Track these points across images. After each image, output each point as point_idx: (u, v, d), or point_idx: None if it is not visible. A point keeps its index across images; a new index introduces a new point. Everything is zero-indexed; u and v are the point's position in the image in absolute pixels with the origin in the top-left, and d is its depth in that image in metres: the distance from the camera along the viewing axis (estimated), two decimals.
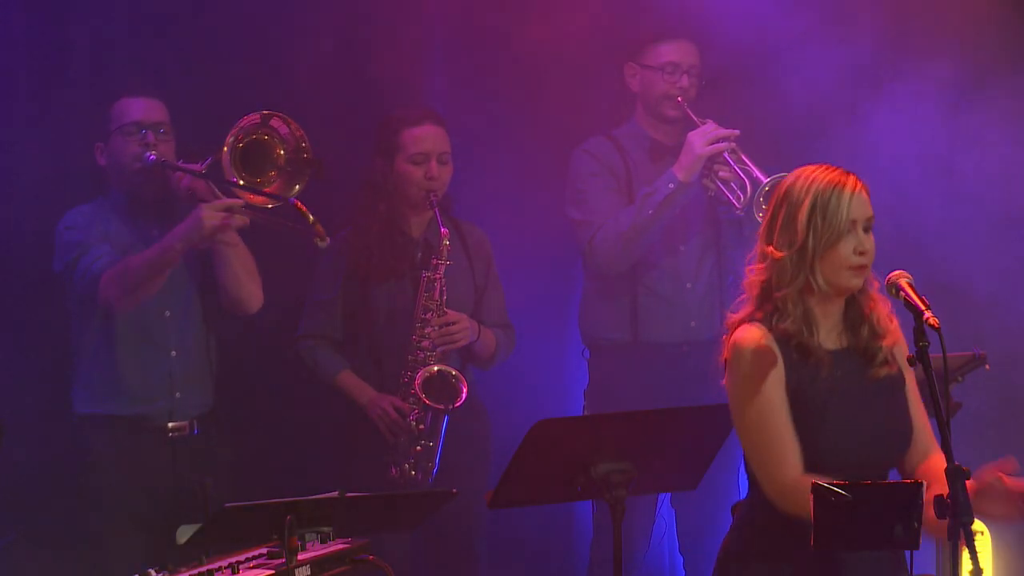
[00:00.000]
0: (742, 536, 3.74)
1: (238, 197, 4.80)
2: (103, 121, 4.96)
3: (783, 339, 3.63)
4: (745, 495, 3.78)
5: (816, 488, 3.33)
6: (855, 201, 3.63)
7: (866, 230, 3.66)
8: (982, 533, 5.43)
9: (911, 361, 3.50)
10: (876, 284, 3.68)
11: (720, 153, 5.38)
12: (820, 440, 3.60)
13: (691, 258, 5.61)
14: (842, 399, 3.64)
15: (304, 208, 4.74)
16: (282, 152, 4.95)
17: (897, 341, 3.72)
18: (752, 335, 3.64)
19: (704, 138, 5.37)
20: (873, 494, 3.35)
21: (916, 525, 3.31)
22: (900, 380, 3.73)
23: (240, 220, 4.80)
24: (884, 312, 3.71)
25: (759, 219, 5.25)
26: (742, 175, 5.35)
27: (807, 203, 3.63)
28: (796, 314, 3.63)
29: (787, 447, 3.58)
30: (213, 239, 4.82)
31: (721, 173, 5.39)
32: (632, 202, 5.53)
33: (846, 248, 3.62)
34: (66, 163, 5.26)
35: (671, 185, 5.39)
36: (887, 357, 3.69)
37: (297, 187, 4.95)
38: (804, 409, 3.61)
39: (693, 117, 5.48)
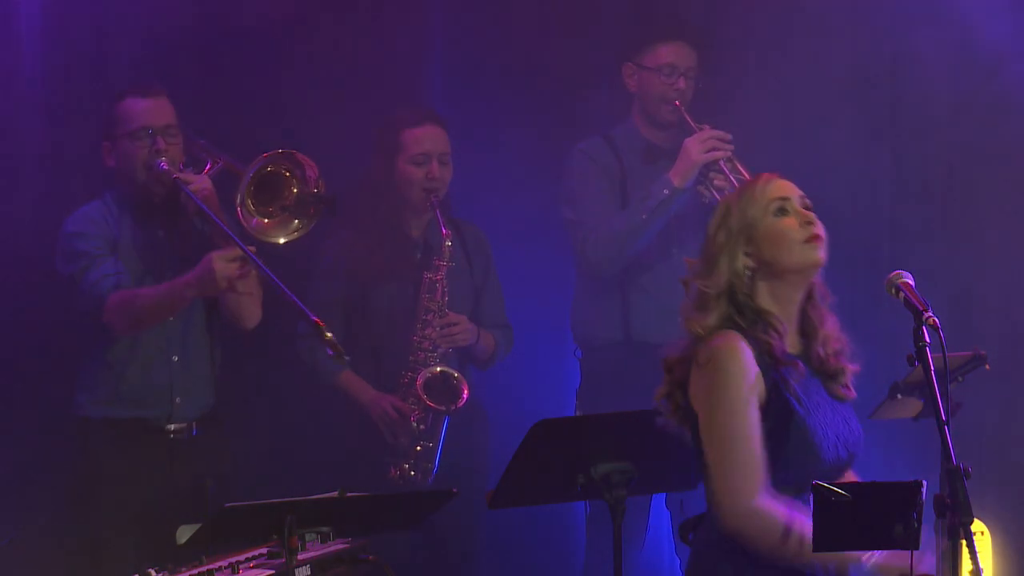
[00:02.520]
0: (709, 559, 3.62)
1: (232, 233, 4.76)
2: (109, 120, 4.93)
3: (757, 346, 3.52)
4: (704, 512, 3.66)
5: (816, 488, 3.33)
6: (772, 184, 3.58)
7: (806, 208, 3.58)
8: (982, 533, 5.43)
9: (911, 361, 3.50)
10: (828, 298, 3.60)
11: (716, 160, 5.38)
12: (799, 446, 3.51)
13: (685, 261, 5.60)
14: (815, 403, 3.56)
15: (323, 325, 4.56)
16: (294, 191, 4.94)
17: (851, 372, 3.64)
18: (733, 344, 3.49)
19: (701, 145, 5.37)
20: (873, 494, 3.35)
21: (916, 525, 3.31)
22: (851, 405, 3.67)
23: (250, 271, 4.78)
24: (836, 328, 3.63)
25: None
26: (737, 183, 5.35)
27: (720, 208, 3.63)
28: (754, 320, 3.54)
29: (757, 468, 3.44)
30: (228, 288, 4.80)
31: (716, 181, 5.39)
32: (626, 203, 5.53)
33: (790, 223, 3.55)
34: (69, 163, 5.25)
35: (666, 191, 5.40)
36: (846, 382, 3.61)
37: (296, 222, 4.94)
38: (777, 413, 3.51)
39: (690, 122, 5.48)
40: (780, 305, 3.57)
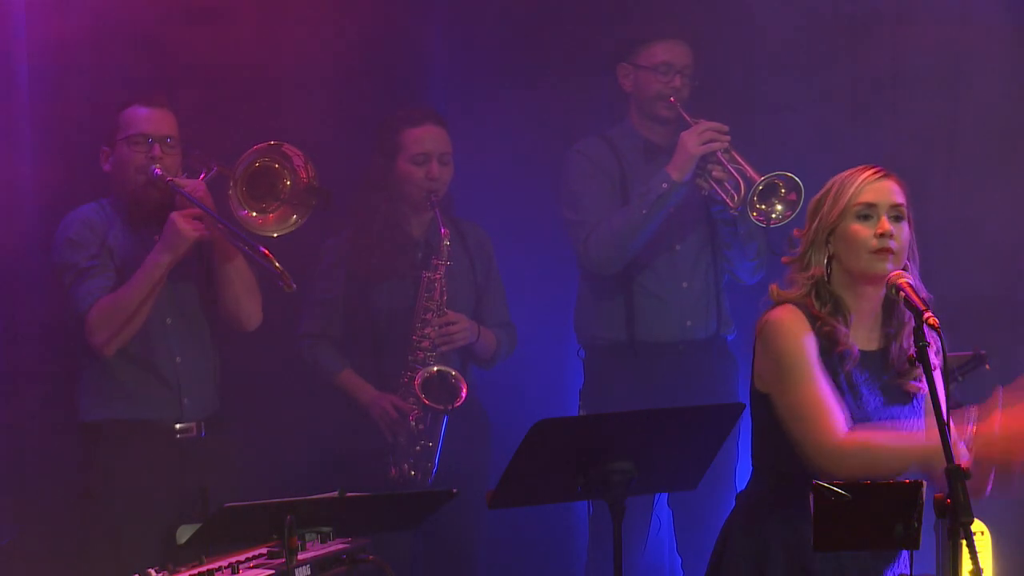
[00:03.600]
0: (747, 514, 3.77)
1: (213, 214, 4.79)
2: (110, 126, 4.94)
3: (814, 321, 3.67)
4: (745, 486, 3.83)
5: (816, 488, 3.34)
6: (870, 184, 3.70)
7: (895, 219, 3.69)
8: (982, 533, 5.43)
9: (911, 361, 3.50)
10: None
11: (714, 152, 5.38)
12: None
13: (687, 257, 5.61)
14: (860, 395, 3.67)
15: (272, 257, 4.72)
16: (288, 183, 4.95)
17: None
18: (785, 312, 3.68)
19: (697, 137, 5.37)
20: (873, 494, 3.35)
21: (916, 525, 3.31)
22: (923, 399, 3.75)
23: (213, 231, 4.80)
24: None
25: (752, 218, 5.27)
26: (735, 174, 5.35)
27: (824, 188, 3.75)
28: (822, 300, 3.69)
29: (833, 409, 3.58)
30: (192, 242, 4.81)
31: (714, 172, 5.39)
32: (626, 202, 5.53)
33: (865, 230, 3.67)
34: (70, 168, 5.25)
35: (664, 185, 5.39)
36: (918, 375, 3.69)
37: (295, 217, 4.95)
38: None
39: (686, 117, 5.48)
40: (855, 298, 3.71)
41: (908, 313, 3.64)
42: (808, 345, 3.63)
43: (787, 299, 3.72)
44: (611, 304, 5.61)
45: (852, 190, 3.69)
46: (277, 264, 4.72)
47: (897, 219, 3.69)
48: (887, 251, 3.66)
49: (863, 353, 3.70)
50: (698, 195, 5.47)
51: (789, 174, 5.23)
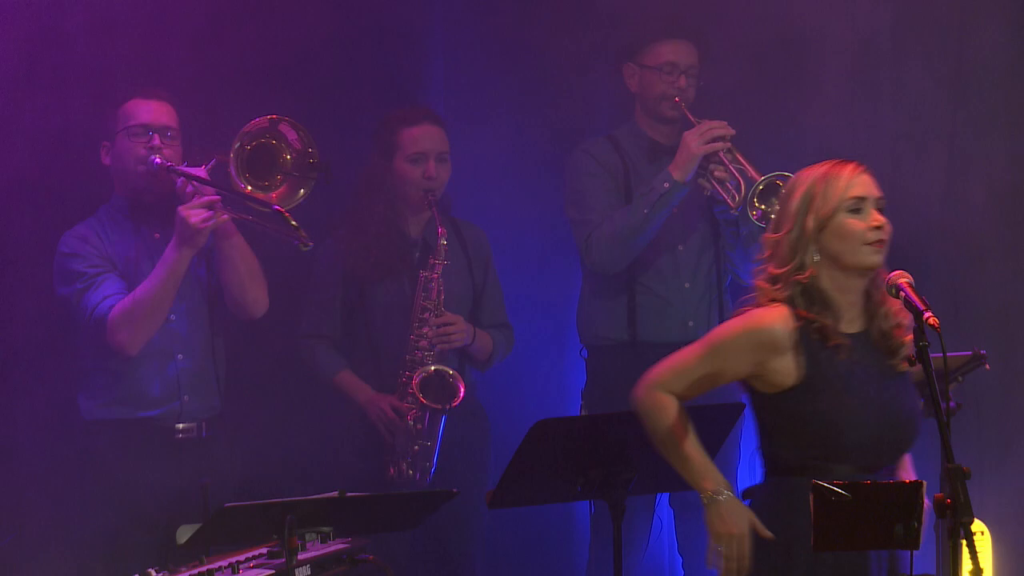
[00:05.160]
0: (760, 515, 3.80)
1: (216, 194, 4.80)
2: (110, 120, 4.94)
3: (804, 321, 3.73)
4: (760, 480, 3.88)
5: (816, 488, 3.34)
6: (856, 179, 3.78)
7: (880, 211, 3.78)
8: (982, 533, 5.43)
9: (911, 361, 3.51)
10: (886, 277, 3.73)
11: (716, 152, 5.37)
12: (840, 419, 3.68)
13: (689, 257, 5.61)
14: (861, 380, 3.72)
15: (288, 215, 4.74)
16: (289, 157, 4.96)
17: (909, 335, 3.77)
18: (773, 316, 3.75)
19: (700, 137, 5.37)
20: (873, 494, 3.35)
21: (916, 525, 3.32)
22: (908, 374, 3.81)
23: (221, 217, 4.80)
24: (898, 304, 3.78)
25: (752, 218, 5.27)
26: (737, 174, 5.35)
27: (803, 187, 3.81)
28: (810, 298, 3.75)
29: (685, 375, 3.85)
30: (208, 233, 4.81)
31: (716, 172, 5.38)
32: (630, 202, 5.53)
33: (858, 225, 3.74)
34: (70, 167, 5.24)
35: (666, 184, 5.39)
36: (907, 355, 3.73)
37: (302, 191, 4.95)
38: (824, 390, 3.70)
39: (690, 117, 5.48)
40: (841, 291, 3.77)
41: (886, 294, 3.74)
42: (742, 342, 3.77)
43: (775, 299, 3.79)
44: (613, 304, 5.60)
45: (842, 184, 3.76)
46: (293, 221, 4.72)
47: (881, 211, 3.79)
48: (882, 242, 3.75)
49: (852, 336, 3.76)
50: (701, 195, 5.46)
51: (789, 174, 5.23)
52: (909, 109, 5.94)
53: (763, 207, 5.26)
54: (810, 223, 3.75)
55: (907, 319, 3.75)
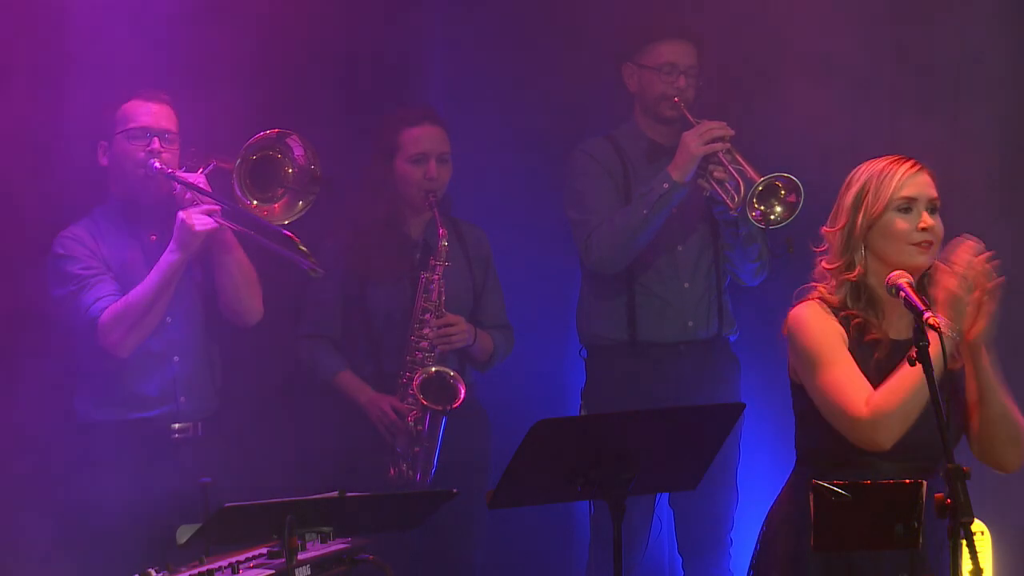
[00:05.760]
0: (786, 510, 3.83)
1: (216, 204, 4.80)
2: (108, 120, 4.93)
3: (842, 314, 3.77)
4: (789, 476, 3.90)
5: (816, 488, 3.34)
6: (911, 179, 3.79)
7: (932, 212, 3.79)
8: (982, 533, 5.43)
9: (911, 361, 3.51)
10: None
11: (715, 153, 5.38)
12: None
13: (689, 258, 5.61)
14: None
15: (297, 240, 4.73)
16: (291, 171, 4.96)
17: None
18: (804, 307, 3.80)
19: (699, 138, 5.37)
20: (873, 494, 3.35)
21: (916, 525, 3.32)
22: (959, 377, 3.81)
23: (221, 223, 4.81)
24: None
25: (751, 218, 5.27)
26: (736, 175, 5.35)
27: (859, 183, 3.82)
28: (856, 294, 3.79)
29: (855, 385, 3.67)
30: (209, 240, 4.81)
31: (716, 173, 5.38)
32: (629, 202, 5.53)
33: (907, 224, 3.76)
34: (67, 167, 5.24)
35: (665, 185, 5.39)
36: (953, 352, 3.72)
37: (301, 204, 4.96)
38: None
39: (689, 117, 5.48)
40: (881, 283, 3.74)
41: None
42: (827, 331, 3.74)
43: (815, 296, 3.82)
44: (613, 304, 5.60)
45: (895, 184, 3.77)
46: (303, 247, 4.72)
47: (933, 211, 3.81)
48: (928, 243, 3.77)
49: (894, 342, 3.76)
50: (700, 196, 5.46)
51: (789, 175, 5.23)
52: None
53: (762, 208, 5.26)
54: (860, 220, 3.77)
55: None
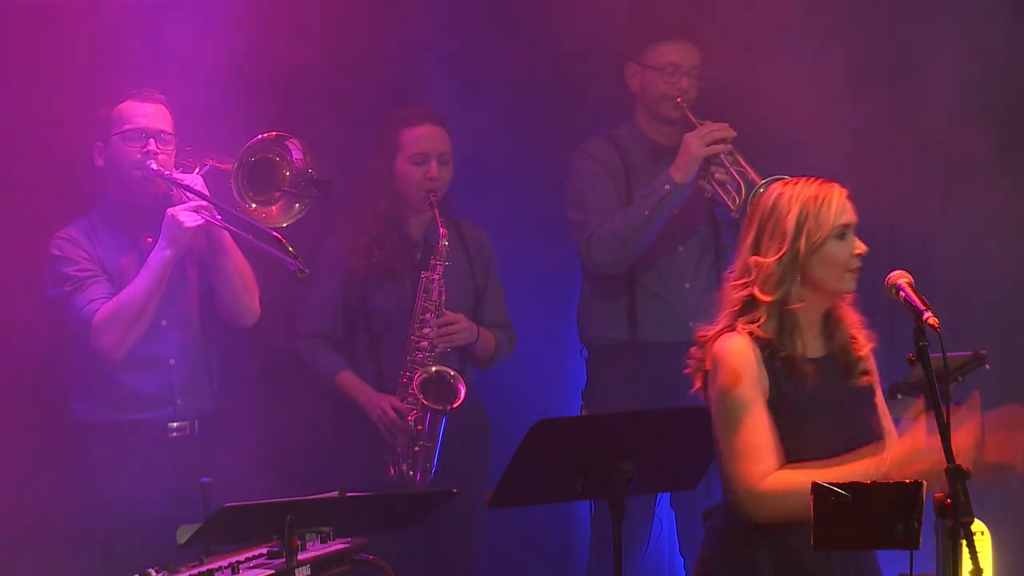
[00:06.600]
0: (718, 543, 3.78)
1: (211, 203, 4.80)
2: (104, 121, 4.93)
3: (766, 349, 3.71)
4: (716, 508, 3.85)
5: (816, 488, 3.34)
6: (844, 207, 3.74)
7: (856, 235, 3.76)
8: (982, 533, 5.43)
9: (911, 361, 3.51)
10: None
11: (717, 154, 5.38)
12: (802, 445, 3.66)
13: (690, 258, 5.61)
14: (823, 406, 3.71)
15: (285, 241, 4.72)
16: (288, 174, 4.95)
17: (871, 350, 3.79)
18: (736, 345, 3.71)
19: (701, 139, 5.37)
20: (873, 494, 3.35)
21: (916, 525, 3.32)
22: (872, 390, 3.82)
23: (210, 218, 4.80)
24: (856, 319, 3.79)
25: None
26: (738, 177, 5.35)
27: (795, 211, 3.72)
28: (781, 324, 3.72)
29: (760, 455, 3.62)
30: (199, 236, 4.81)
31: (717, 175, 5.39)
32: (630, 203, 5.53)
33: (844, 251, 3.72)
34: (63, 168, 5.24)
35: (667, 186, 5.40)
36: (865, 368, 3.77)
37: (298, 206, 4.95)
38: (787, 416, 3.68)
39: (691, 118, 5.48)
40: (806, 312, 3.73)
41: (844, 312, 3.75)
42: (748, 386, 3.66)
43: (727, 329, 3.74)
44: (614, 304, 5.61)
45: (834, 210, 3.71)
46: (291, 248, 4.71)
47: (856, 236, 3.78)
48: (858, 270, 3.74)
49: (816, 361, 3.74)
50: (702, 196, 5.47)
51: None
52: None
53: None
54: (803, 248, 3.70)
55: (862, 332, 3.77)
